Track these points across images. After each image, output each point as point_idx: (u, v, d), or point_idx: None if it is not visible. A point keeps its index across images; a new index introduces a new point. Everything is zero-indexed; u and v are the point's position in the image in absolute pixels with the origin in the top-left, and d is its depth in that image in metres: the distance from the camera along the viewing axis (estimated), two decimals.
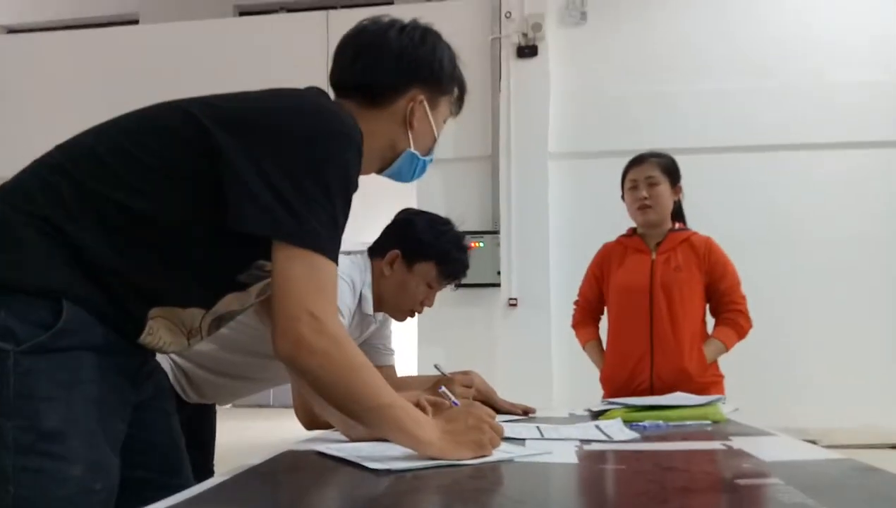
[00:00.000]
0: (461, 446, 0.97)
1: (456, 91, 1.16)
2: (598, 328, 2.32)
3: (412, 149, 1.11)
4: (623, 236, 2.25)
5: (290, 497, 0.85)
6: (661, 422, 1.47)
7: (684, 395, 1.72)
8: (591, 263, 2.30)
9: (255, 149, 0.92)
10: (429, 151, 1.15)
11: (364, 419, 0.96)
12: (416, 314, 1.67)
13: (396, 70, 1.07)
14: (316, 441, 1.15)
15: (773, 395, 3.81)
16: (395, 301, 1.62)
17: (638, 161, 2.16)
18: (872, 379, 3.98)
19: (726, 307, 2.12)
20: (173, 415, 1.13)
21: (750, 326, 2.12)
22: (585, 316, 2.32)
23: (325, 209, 0.92)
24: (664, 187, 2.11)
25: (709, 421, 1.51)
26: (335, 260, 0.94)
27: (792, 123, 4.26)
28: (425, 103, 1.10)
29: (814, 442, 3.01)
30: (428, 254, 1.59)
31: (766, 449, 1.12)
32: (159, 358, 1.25)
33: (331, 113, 0.99)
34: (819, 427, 3.63)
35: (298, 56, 4.63)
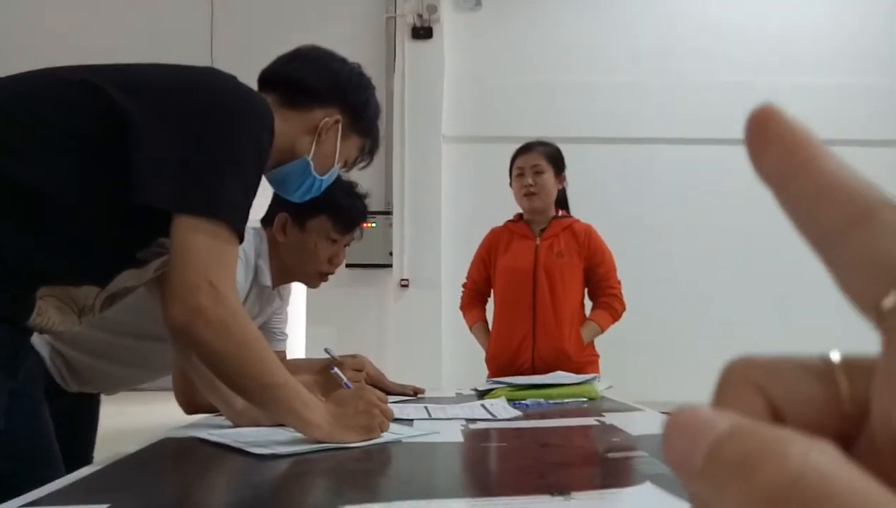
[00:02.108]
0: (350, 430, 0.97)
1: (369, 142, 1.18)
2: (484, 310, 2.39)
3: (309, 159, 1.10)
4: (510, 221, 2.33)
5: (171, 487, 0.83)
6: (542, 400, 1.55)
7: (563, 374, 1.82)
8: (480, 247, 2.37)
9: (167, 118, 0.88)
10: (323, 173, 1.14)
11: (254, 396, 0.94)
12: (329, 275, 1.56)
13: (326, 81, 1.10)
14: (195, 427, 1.12)
15: (655, 372, 4.09)
16: (298, 266, 1.52)
17: (525, 149, 2.24)
18: (751, 351, 4.36)
19: (603, 291, 2.24)
20: (43, 402, 1.06)
21: (623, 309, 2.26)
22: (473, 299, 2.38)
23: (237, 182, 0.90)
24: (549, 176, 2.20)
25: (585, 399, 1.61)
26: (241, 233, 0.92)
27: (671, 118, 4.55)
28: (340, 126, 1.11)
29: None
30: (316, 207, 1.46)
31: (635, 424, 1.21)
32: (37, 342, 1.16)
33: (247, 91, 0.97)
34: (696, 401, 3.95)
35: (180, 39, 4.35)
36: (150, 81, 0.92)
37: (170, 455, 0.96)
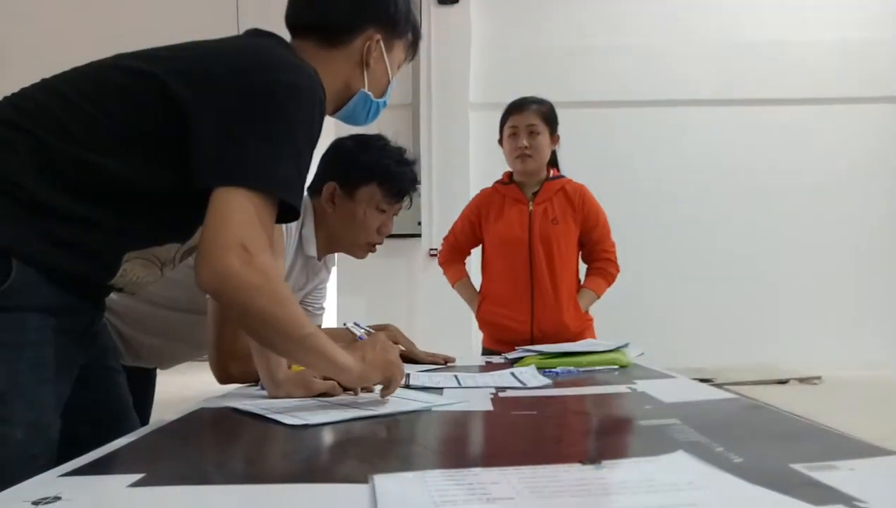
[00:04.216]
0: (374, 368, 1.04)
1: (410, 35, 1.18)
2: (464, 266, 2.31)
3: (366, 90, 1.12)
4: (499, 183, 2.22)
5: (207, 454, 0.84)
6: (572, 368, 1.54)
7: (594, 342, 1.80)
8: (468, 207, 2.26)
9: (221, 102, 0.90)
10: (382, 93, 1.16)
11: (289, 351, 0.97)
12: (377, 246, 1.54)
13: (351, 8, 1.09)
14: (229, 398, 1.13)
15: (685, 338, 4.03)
16: (348, 236, 1.49)
17: (518, 107, 2.12)
18: (766, 319, 4.29)
19: (597, 255, 2.17)
20: (121, 373, 1.12)
21: (618, 271, 2.18)
22: (454, 254, 2.29)
23: (289, 156, 0.92)
24: (544, 137, 2.09)
25: (616, 366, 1.59)
26: (296, 208, 0.94)
27: (696, 80, 4.39)
28: (381, 44, 1.11)
29: (710, 380, 3.24)
30: (366, 175, 1.46)
31: (667, 391, 1.19)
32: None
33: (296, 66, 0.97)
34: (714, 366, 3.90)
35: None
36: (205, 67, 0.94)
37: (205, 426, 0.98)
